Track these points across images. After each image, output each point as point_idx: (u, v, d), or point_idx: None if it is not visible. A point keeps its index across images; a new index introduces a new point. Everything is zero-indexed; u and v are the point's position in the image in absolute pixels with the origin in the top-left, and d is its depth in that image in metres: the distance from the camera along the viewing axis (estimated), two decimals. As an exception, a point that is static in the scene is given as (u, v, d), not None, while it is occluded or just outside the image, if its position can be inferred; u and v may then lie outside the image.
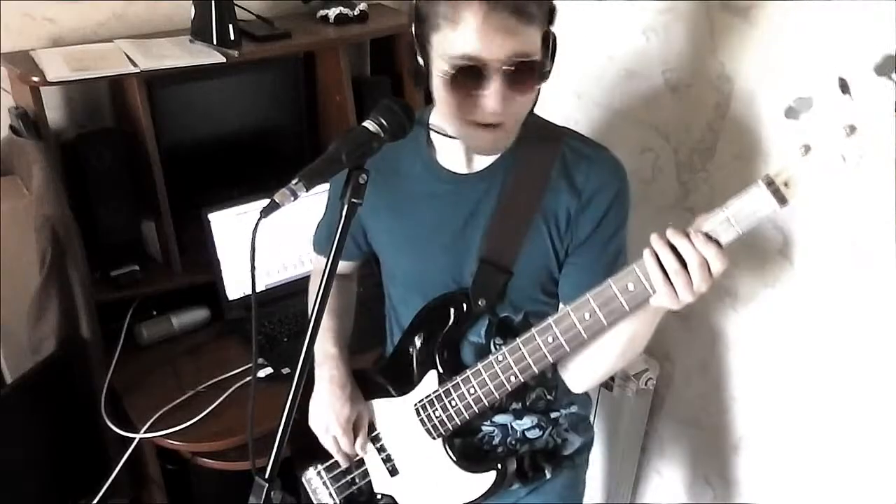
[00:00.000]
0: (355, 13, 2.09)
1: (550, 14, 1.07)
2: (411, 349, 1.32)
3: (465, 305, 1.24)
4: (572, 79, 1.84)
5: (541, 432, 1.36)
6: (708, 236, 0.97)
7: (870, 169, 0.89)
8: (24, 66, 1.71)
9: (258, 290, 1.91)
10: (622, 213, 1.20)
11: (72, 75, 1.67)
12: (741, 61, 1.50)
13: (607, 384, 1.84)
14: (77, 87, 1.93)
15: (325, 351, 1.38)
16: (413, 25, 1.08)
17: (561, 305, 1.20)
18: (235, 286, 1.99)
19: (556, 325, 1.11)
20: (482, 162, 1.21)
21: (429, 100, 1.15)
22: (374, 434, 1.38)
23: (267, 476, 1.02)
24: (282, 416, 1.04)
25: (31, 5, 1.84)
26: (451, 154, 1.22)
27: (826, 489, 1.58)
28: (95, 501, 1.76)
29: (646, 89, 1.69)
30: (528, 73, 1.04)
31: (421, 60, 1.09)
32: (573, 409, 1.39)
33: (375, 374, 1.39)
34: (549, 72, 1.10)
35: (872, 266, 1.38)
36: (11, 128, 1.80)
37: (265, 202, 0.96)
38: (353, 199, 1.04)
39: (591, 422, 1.50)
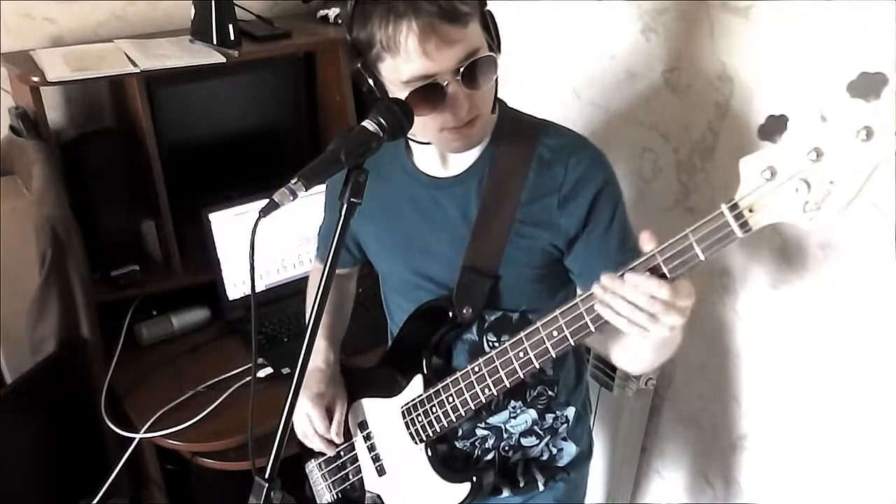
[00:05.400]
0: (355, 13, 2.09)
1: None
2: (402, 352, 1.32)
3: (450, 313, 1.23)
4: (572, 79, 1.84)
5: (537, 440, 1.35)
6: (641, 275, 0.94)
7: (842, 196, 0.80)
8: (24, 66, 1.71)
9: (258, 290, 1.92)
10: (612, 201, 1.17)
11: (72, 75, 1.68)
12: (741, 61, 1.50)
13: (607, 384, 1.84)
14: (77, 87, 1.94)
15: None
16: (355, 60, 1.08)
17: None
18: (235, 286, 1.99)
19: (526, 340, 1.10)
20: (459, 165, 1.21)
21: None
22: (366, 432, 1.39)
23: (267, 476, 1.02)
24: (282, 416, 1.03)
25: (31, 5, 1.85)
26: (428, 158, 1.23)
27: (826, 489, 1.58)
28: (95, 501, 1.76)
29: (646, 89, 1.69)
30: (482, 68, 1.04)
31: (376, 90, 1.09)
32: (572, 410, 1.37)
33: (372, 372, 1.40)
34: (500, 51, 1.08)
35: (871, 266, 1.38)
36: (11, 128, 1.80)
37: (265, 202, 0.96)
38: (352, 199, 1.04)
39: (590, 429, 1.48)
